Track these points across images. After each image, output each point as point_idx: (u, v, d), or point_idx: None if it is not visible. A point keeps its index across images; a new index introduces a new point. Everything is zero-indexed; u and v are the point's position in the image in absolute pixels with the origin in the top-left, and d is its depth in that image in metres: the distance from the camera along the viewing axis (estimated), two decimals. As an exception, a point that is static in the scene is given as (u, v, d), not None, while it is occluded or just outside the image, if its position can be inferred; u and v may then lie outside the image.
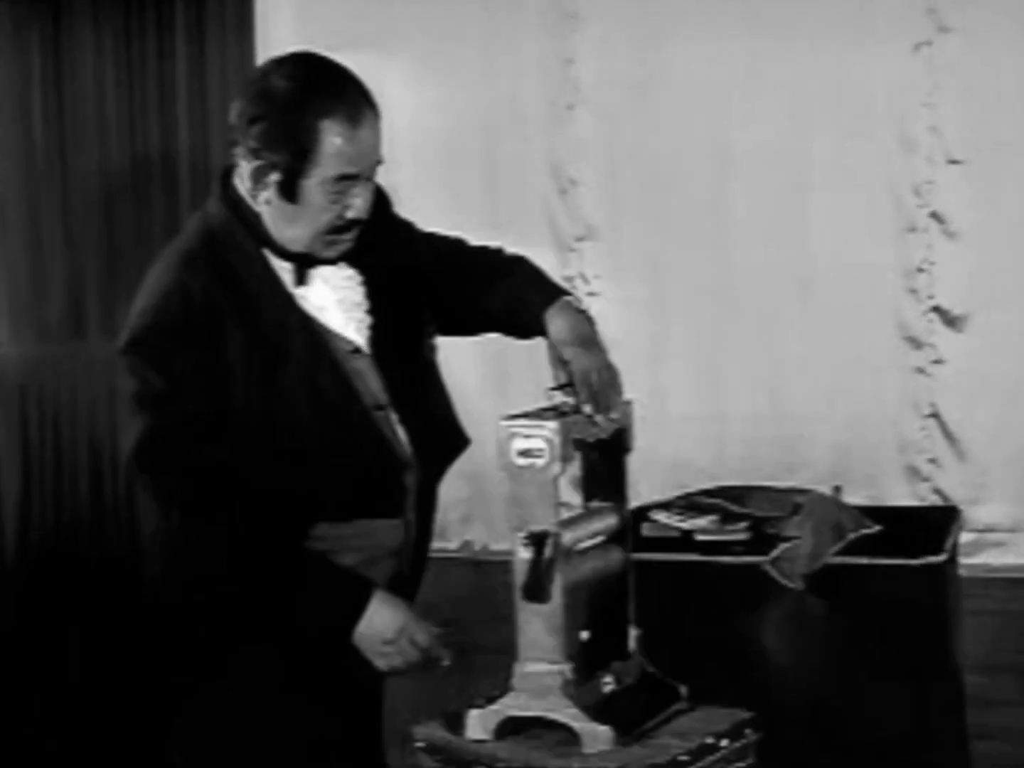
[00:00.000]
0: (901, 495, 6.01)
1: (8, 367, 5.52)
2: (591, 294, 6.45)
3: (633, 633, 2.35)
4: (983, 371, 6.00)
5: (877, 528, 3.62)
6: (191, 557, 2.30)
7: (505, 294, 2.44)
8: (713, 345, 6.31)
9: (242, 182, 2.33)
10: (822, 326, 6.17)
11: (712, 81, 6.21)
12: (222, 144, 6.04)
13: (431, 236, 2.55)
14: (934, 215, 6.06)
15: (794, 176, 6.19)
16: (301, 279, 2.33)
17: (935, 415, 6.12)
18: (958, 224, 6.03)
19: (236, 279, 2.30)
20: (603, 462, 2.34)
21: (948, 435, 6.11)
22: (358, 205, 2.29)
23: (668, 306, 6.37)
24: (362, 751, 2.52)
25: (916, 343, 6.12)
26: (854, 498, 3.95)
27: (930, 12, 5.97)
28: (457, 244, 2.56)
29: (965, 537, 4.68)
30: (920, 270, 6.10)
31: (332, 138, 2.24)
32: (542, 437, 2.20)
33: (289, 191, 2.26)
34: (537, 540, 2.18)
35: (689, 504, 3.73)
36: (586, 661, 2.24)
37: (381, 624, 2.27)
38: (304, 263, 2.33)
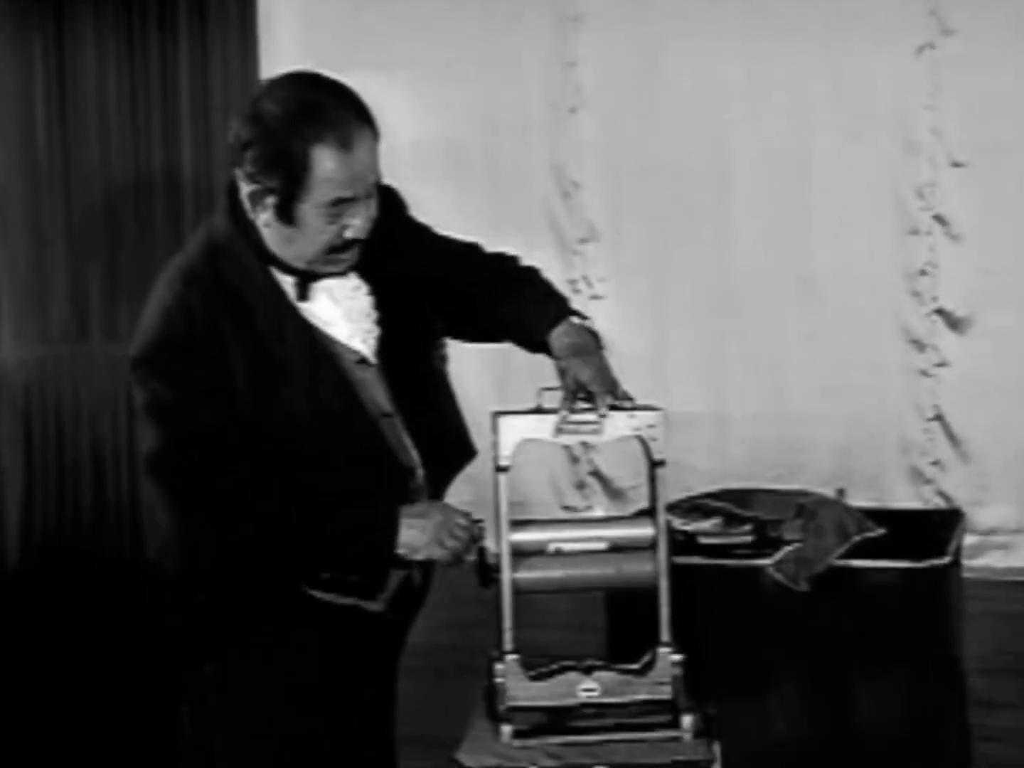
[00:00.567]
0: (904, 497, 6.01)
1: (11, 369, 5.51)
2: (594, 296, 6.45)
3: (671, 656, 2.33)
4: (986, 373, 5.99)
5: (880, 531, 3.61)
6: (210, 555, 2.31)
7: (513, 308, 2.46)
8: (715, 347, 6.30)
9: (245, 200, 2.33)
10: (824, 328, 6.17)
11: (714, 83, 6.21)
12: (225, 147, 6.05)
13: (446, 241, 2.55)
14: (937, 217, 6.06)
15: (796, 178, 6.18)
16: (303, 294, 2.34)
17: (938, 417, 6.12)
18: (961, 226, 6.03)
19: (238, 294, 2.31)
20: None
21: (951, 437, 6.11)
22: (356, 225, 2.29)
23: (670, 308, 6.37)
24: (375, 747, 2.53)
25: (919, 345, 6.12)
26: (857, 500, 3.94)
27: (932, 14, 5.97)
28: (471, 251, 2.56)
29: (968, 540, 4.67)
30: (923, 272, 6.09)
31: (323, 164, 2.23)
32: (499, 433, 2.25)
33: (285, 214, 2.27)
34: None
35: (692, 507, 3.72)
36: (552, 659, 2.27)
37: (417, 521, 2.30)
38: (308, 277, 2.33)
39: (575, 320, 2.40)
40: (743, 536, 3.63)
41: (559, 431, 2.28)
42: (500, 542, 2.28)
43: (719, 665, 3.34)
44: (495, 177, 6.48)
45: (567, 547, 2.32)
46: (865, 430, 6.11)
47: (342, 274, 2.36)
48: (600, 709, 2.30)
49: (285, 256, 2.32)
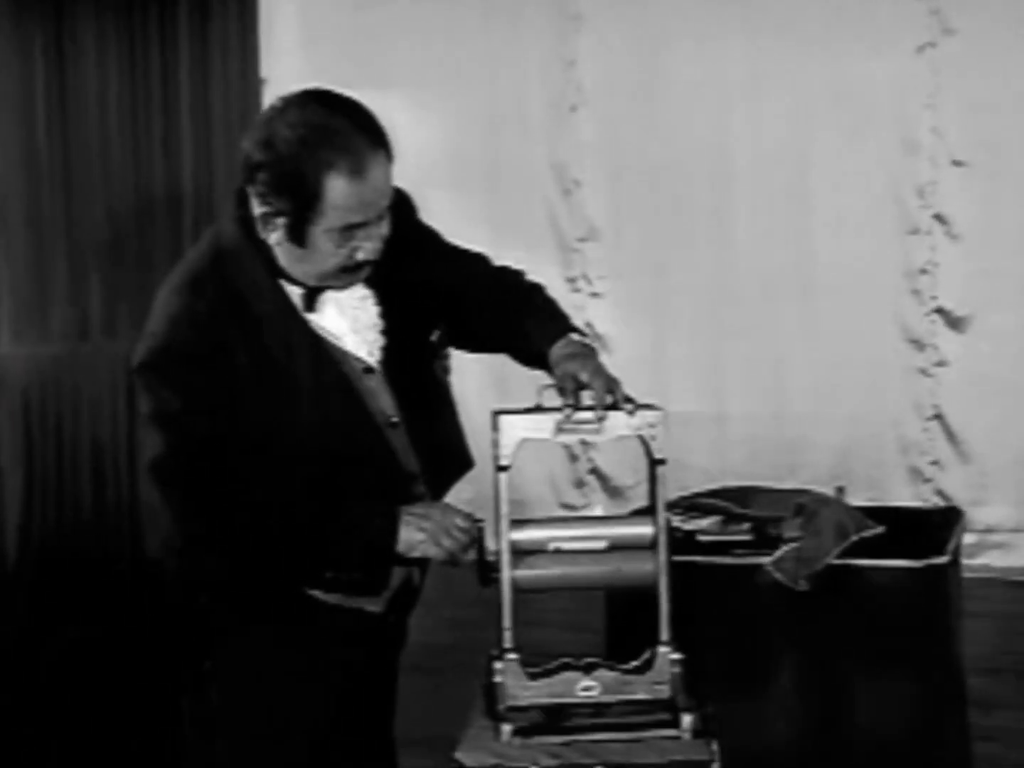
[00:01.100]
0: (903, 496, 6.01)
1: (11, 368, 5.52)
2: (593, 294, 6.46)
3: (670, 655, 2.32)
4: (986, 372, 6.00)
5: (879, 529, 3.61)
6: (218, 558, 2.32)
7: (516, 323, 2.46)
8: (715, 346, 6.31)
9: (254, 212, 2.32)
10: (824, 327, 6.17)
11: (714, 83, 6.21)
12: (225, 147, 6.06)
13: (453, 249, 2.55)
14: (937, 217, 6.06)
15: (796, 177, 6.19)
16: (310, 305, 2.34)
17: (938, 416, 6.12)
18: (961, 226, 6.03)
19: (245, 303, 2.31)
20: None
21: (951, 436, 6.11)
22: (367, 248, 2.29)
23: (670, 306, 6.38)
24: (374, 745, 2.53)
25: (919, 344, 6.12)
26: (856, 499, 3.94)
27: (933, 14, 5.97)
28: (478, 261, 2.56)
29: (967, 538, 4.67)
30: (923, 271, 6.10)
31: (335, 191, 2.22)
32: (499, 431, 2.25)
33: (297, 236, 2.26)
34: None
35: (691, 505, 3.72)
36: (551, 658, 2.28)
37: (416, 520, 2.31)
38: (316, 289, 2.34)
39: (575, 336, 2.41)
40: (742, 535, 3.63)
41: (559, 430, 2.28)
42: (500, 541, 2.28)
43: (718, 664, 3.34)
44: (495, 176, 6.49)
45: (566, 546, 2.32)
46: (864, 429, 6.11)
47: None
48: (599, 708, 2.30)
49: (295, 273, 2.32)
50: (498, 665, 2.29)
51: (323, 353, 2.34)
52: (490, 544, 2.31)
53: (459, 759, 2.23)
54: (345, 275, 2.32)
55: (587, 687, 2.31)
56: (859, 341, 6.11)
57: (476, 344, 2.55)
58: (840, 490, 3.87)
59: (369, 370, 2.39)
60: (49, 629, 4.76)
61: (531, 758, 2.22)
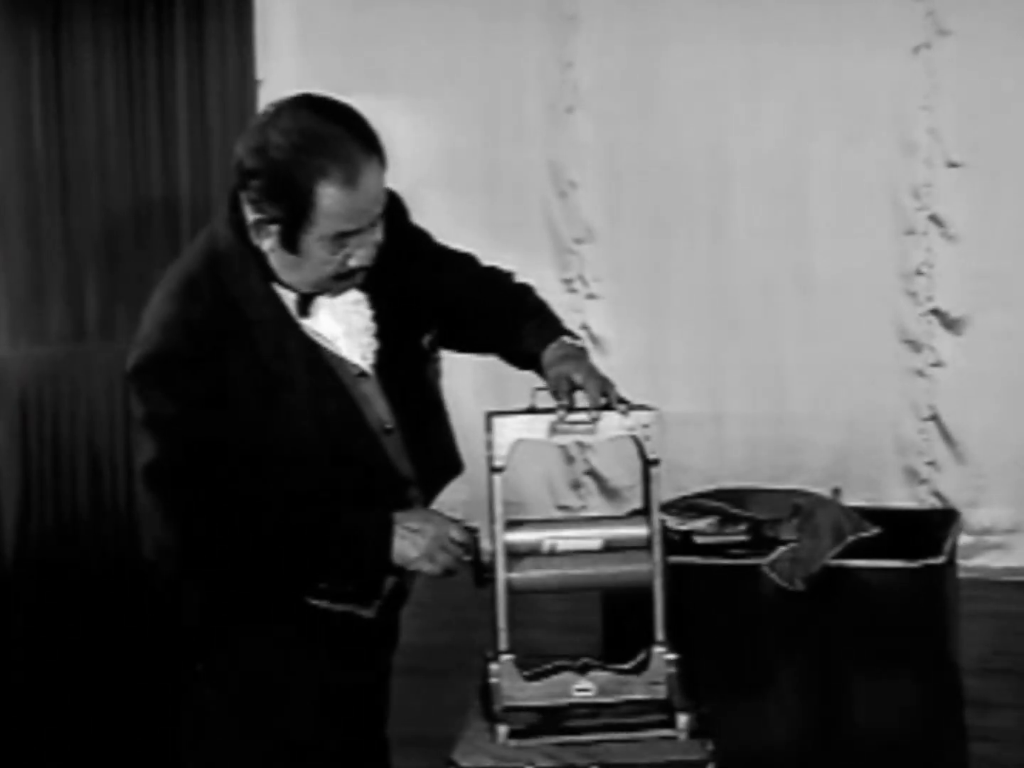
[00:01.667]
0: (900, 497, 6.02)
1: (7, 370, 5.51)
2: (590, 296, 6.46)
3: (665, 655, 2.32)
4: (982, 374, 6.00)
5: (876, 530, 3.62)
6: (210, 564, 2.32)
7: (507, 325, 2.47)
8: (712, 347, 6.31)
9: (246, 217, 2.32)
10: (821, 328, 6.18)
11: (711, 84, 6.22)
12: (221, 148, 6.06)
13: (443, 250, 2.55)
14: (933, 218, 6.06)
15: (793, 179, 6.19)
16: (304, 311, 2.33)
17: (934, 417, 6.12)
18: (957, 227, 6.04)
19: (239, 308, 2.31)
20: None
21: (947, 437, 6.12)
22: (361, 255, 2.28)
23: (667, 308, 6.38)
24: (368, 745, 2.53)
25: (915, 345, 6.13)
26: (853, 500, 3.94)
27: (929, 15, 5.98)
28: (468, 262, 2.56)
29: (964, 540, 4.69)
30: (919, 273, 6.10)
31: (328, 200, 2.20)
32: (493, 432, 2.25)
33: (289, 243, 2.25)
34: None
35: (688, 506, 3.72)
36: (547, 659, 2.28)
37: (414, 532, 2.30)
38: (309, 294, 2.33)
39: (567, 339, 2.41)
40: (739, 536, 3.63)
41: (553, 431, 2.28)
42: (495, 542, 2.28)
43: (714, 664, 3.34)
44: (492, 177, 6.49)
45: (562, 547, 2.32)
46: (861, 430, 6.12)
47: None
48: (595, 709, 2.30)
49: (288, 280, 2.31)
50: (494, 666, 2.29)
51: (317, 358, 2.34)
52: (485, 545, 2.31)
53: (455, 760, 2.23)
54: (339, 282, 2.31)
55: (583, 688, 2.31)
56: (856, 342, 6.12)
57: (467, 346, 2.55)
58: (836, 491, 3.87)
59: (363, 375, 2.38)
60: (47, 630, 4.76)
61: (527, 759, 2.22)
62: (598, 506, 6.34)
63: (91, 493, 5.56)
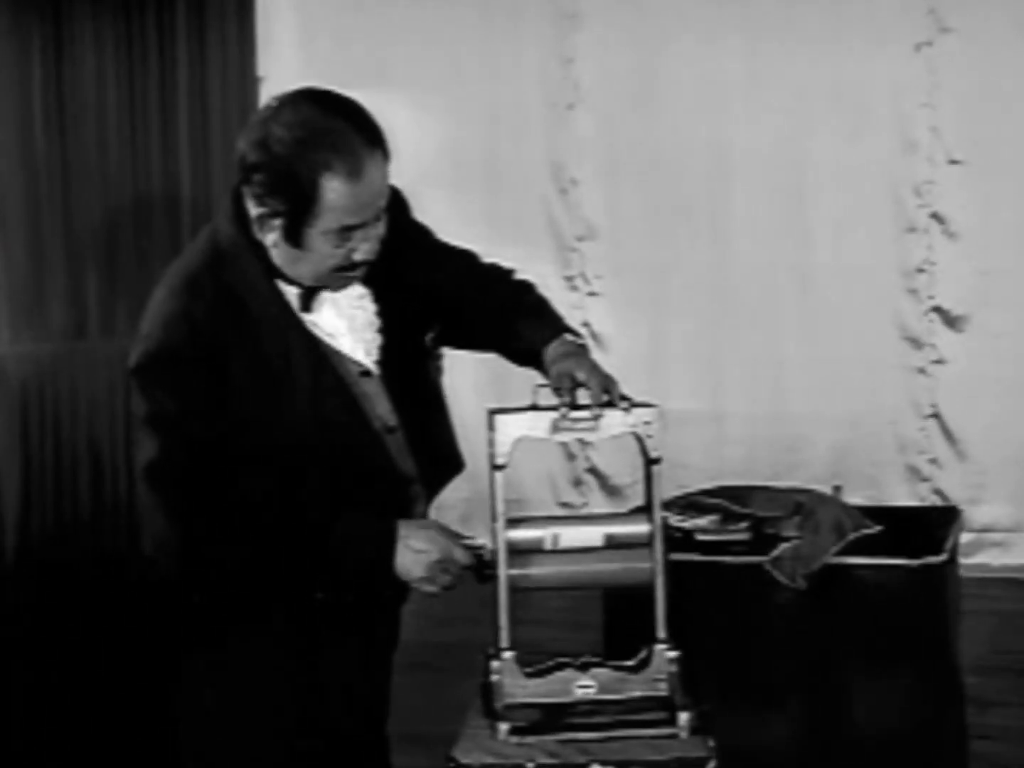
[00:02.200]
0: (901, 495, 6.02)
1: (8, 367, 5.51)
2: (591, 293, 6.46)
3: (667, 653, 2.32)
4: (983, 371, 6.00)
5: (877, 528, 3.62)
6: (208, 565, 2.31)
7: (508, 322, 2.46)
8: (713, 345, 6.31)
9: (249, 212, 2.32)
10: (822, 326, 6.18)
11: (712, 81, 6.22)
12: (222, 145, 6.06)
13: (443, 247, 2.54)
14: (934, 215, 6.06)
15: (794, 176, 6.19)
16: (308, 306, 2.33)
17: (935, 415, 6.12)
18: (958, 224, 6.04)
19: (242, 305, 2.30)
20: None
21: (948, 435, 6.12)
22: (364, 249, 2.27)
23: (668, 305, 6.38)
24: (366, 742, 2.53)
25: (916, 343, 6.13)
26: (854, 498, 3.95)
27: (930, 12, 5.98)
28: (468, 259, 2.55)
29: (965, 537, 4.68)
30: (920, 270, 6.10)
31: (331, 193, 2.20)
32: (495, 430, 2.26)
33: (293, 238, 2.25)
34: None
35: (689, 504, 3.72)
36: (548, 656, 2.29)
37: (418, 551, 2.28)
38: (313, 288, 2.33)
39: (569, 336, 2.41)
40: (740, 533, 3.64)
41: (555, 429, 2.28)
42: (497, 539, 2.28)
43: (716, 662, 3.34)
44: (493, 174, 6.49)
45: (564, 544, 2.32)
46: (862, 428, 6.12)
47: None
48: (596, 706, 2.30)
49: (292, 273, 2.30)
50: (495, 663, 2.29)
51: (320, 356, 2.33)
52: (487, 542, 2.31)
53: (456, 757, 2.23)
54: (342, 275, 2.30)
55: (584, 685, 2.31)
56: (857, 340, 6.12)
57: (468, 343, 2.55)
58: (837, 489, 3.87)
59: (366, 373, 2.38)
60: (46, 626, 4.76)
61: (528, 756, 2.22)
62: (599, 503, 6.33)
63: (92, 490, 5.56)
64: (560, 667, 2.33)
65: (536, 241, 6.38)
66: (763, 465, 5.71)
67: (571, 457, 6.44)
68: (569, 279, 6.45)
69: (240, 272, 2.31)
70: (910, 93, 6.02)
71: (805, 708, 3.54)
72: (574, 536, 2.32)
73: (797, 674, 3.54)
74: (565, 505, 6.42)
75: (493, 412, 2.30)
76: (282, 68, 6.30)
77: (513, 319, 2.46)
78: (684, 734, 2.26)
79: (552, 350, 2.38)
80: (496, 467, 2.28)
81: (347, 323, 2.36)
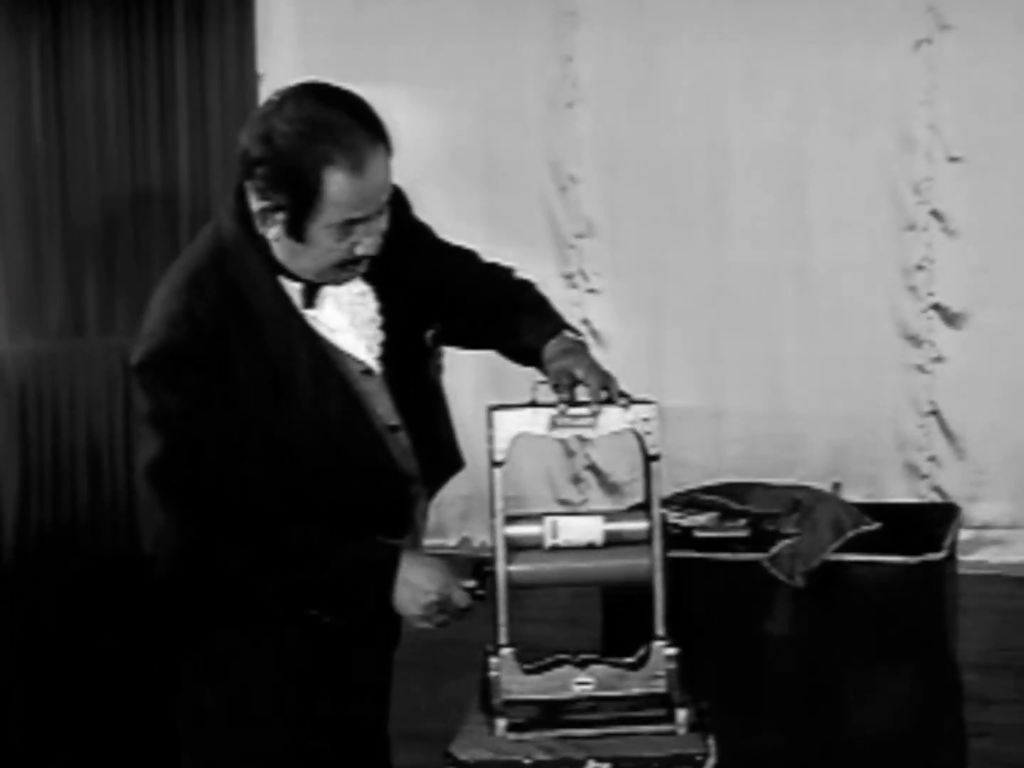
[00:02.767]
0: (900, 492, 6.01)
1: (6, 365, 5.51)
2: (590, 291, 6.46)
3: (665, 650, 2.32)
4: (982, 369, 6.00)
5: (876, 525, 3.62)
6: (209, 566, 2.31)
7: (508, 321, 2.46)
8: (712, 342, 6.31)
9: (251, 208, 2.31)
10: (821, 324, 6.17)
11: (711, 79, 6.22)
12: (221, 142, 6.06)
13: (444, 246, 2.54)
14: (933, 213, 6.06)
15: (793, 174, 6.19)
16: (310, 302, 2.32)
17: (934, 413, 6.12)
18: (957, 222, 6.04)
19: (244, 301, 2.30)
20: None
21: (947, 433, 6.12)
22: (367, 243, 2.27)
23: (667, 303, 6.38)
24: (367, 742, 2.52)
25: (915, 341, 6.13)
26: (853, 495, 3.95)
27: (930, 10, 5.98)
28: (469, 258, 2.55)
29: (964, 535, 4.68)
30: (919, 268, 6.10)
31: (334, 187, 2.20)
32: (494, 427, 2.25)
33: (295, 232, 2.25)
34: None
35: (688, 501, 3.72)
36: (546, 653, 2.29)
37: (416, 588, 2.28)
38: (315, 284, 2.32)
39: (568, 334, 2.42)
40: (739, 530, 3.64)
41: (554, 425, 2.28)
42: (495, 536, 2.28)
43: (714, 659, 3.34)
44: (492, 172, 6.49)
45: (563, 541, 2.32)
46: (861, 425, 6.12)
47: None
48: (595, 703, 2.30)
49: (294, 268, 2.30)
50: (493, 660, 2.29)
51: (322, 354, 2.33)
52: (486, 540, 2.31)
53: (453, 753, 2.23)
54: (344, 270, 2.30)
55: (583, 682, 2.31)
56: (856, 337, 6.12)
57: (468, 341, 2.55)
58: (836, 486, 3.87)
59: (368, 372, 2.38)
60: (45, 623, 4.75)
61: (526, 753, 2.22)
62: (598, 501, 6.33)
63: (90, 487, 5.56)
64: (559, 664, 2.33)
65: (535, 238, 6.38)
66: (762, 462, 5.71)
67: (570, 454, 6.44)
68: (568, 276, 6.45)
69: (243, 268, 2.30)
70: (909, 90, 6.02)
71: (804, 705, 3.54)
72: (573, 533, 2.32)
73: (795, 671, 3.54)
74: (564, 502, 6.42)
75: (492, 408, 2.30)
76: (281, 66, 6.29)
77: (513, 317, 2.46)
78: (682, 731, 2.26)
79: (551, 347, 2.38)
80: (495, 464, 2.28)
81: (349, 319, 2.36)
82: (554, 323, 2.44)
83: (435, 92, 6.47)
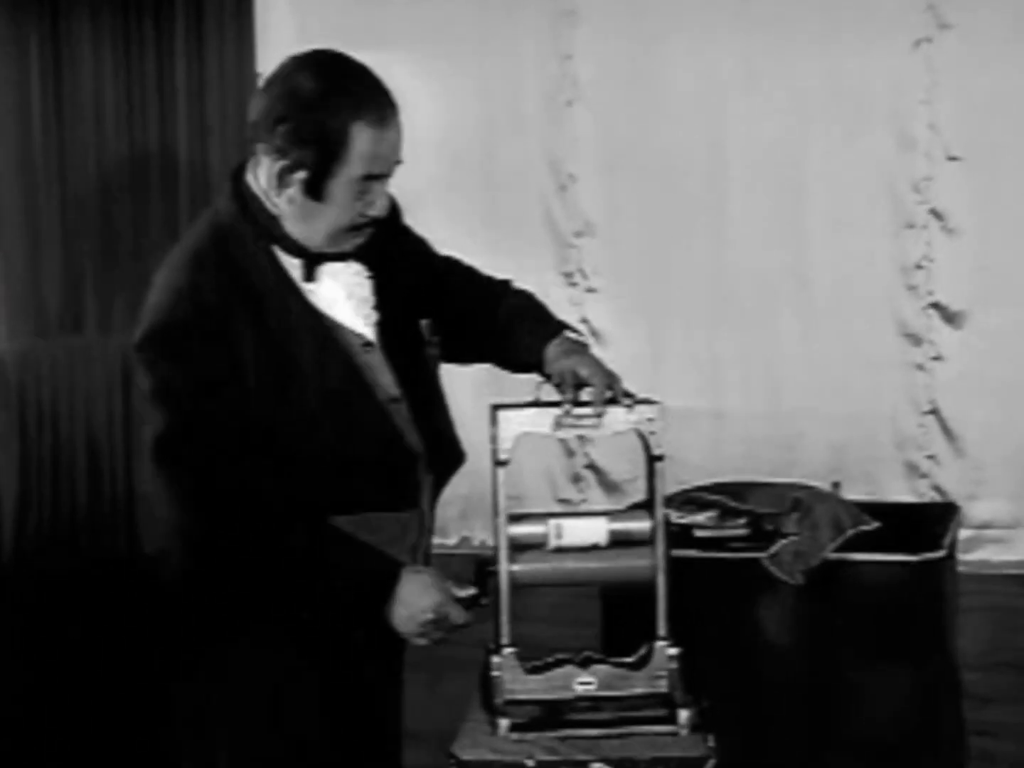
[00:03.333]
0: (900, 491, 6.01)
1: (5, 362, 5.51)
2: (589, 290, 6.45)
3: (668, 650, 2.32)
4: (982, 368, 6.00)
5: (875, 524, 3.62)
6: (211, 549, 2.30)
7: (507, 322, 2.48)
8: (711, 341, 6.31)
9: (256, 181, 2.34)
10: (821, 322, 6.17)
11: (710, 77, 6.21)
12: (220, 140, 6.05)
13: (443, 258, 2.58)
14: (933, 211, 6.06)
15: (792, 173, 6.18)
16: (310, 275, 2.34)
17: (934, 411, 6.12)
18: (957, 220, 6.03)
19: (245, 277, 2.31)
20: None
21: (947, 431, 6.11)
22: (379, 204, 2.32)
23: (666, 302, 6.37)
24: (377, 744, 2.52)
25: (915, 340, 6.13)
26: (853, 494, 3.94)
27: (929, 8, 5.97)
28: (467, 271, 2.59)
29: (963, 533, 4.68)
30: (919, 266, 6.10)
31: (361, 139, 2.25)
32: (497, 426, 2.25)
33: (315, 189, 2.28)
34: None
35: (688, 500, 3.72)
36: (547, 652, 2.29)
37: (412, 606, 2.28)
38: (313, 260, 2.34)
39: (570, 335, 2.42)
40: (738, 529, 3.63)
41: (558, 425, 2.28)
42: (498, 535, 2.27)
43: (713, 658, 3.34)
44: (491, 171, 6.48)
45: (566, 541, 2.32)
46: (860, 424, 6.11)
47: (347, 257, 2.37)
48: (597, 703, 2.30)
49: (301, 235, 2.32)
50: (495, 659, 2.29)
51: (322, 327, 2.34)
52: (485, 539, 2.31)
53: (455, 753, 2.23)
54: (353, 234, 2.33)
55: (584, 682, 2.31)
56: (855, 337, 6.11)
57: (465, 347, 2.55)
58: (836, 485, 3.87)
59: (368, 344, 2.38)
60: (44, 622, 4.75)
61: (528, 753, 2.22)
62: (598, 500, 6.33)
63: (90, 486, 5.56)
64: (560, 663, 2.32)
65: (534, 238, 6.38)
66: (762, 461, 5.70)
67: (570, 453, 6.43)
68: (567, 275, 6.45)
69: (241, 246, 2.32)
70: (909, 89, 6.02)
71: (803, 704, 3.54)
72: (577, 534, 2.32)
73: (795, 670, 3.54)
74: (563, 501, 6.41)
75: (496, 407, 2.30)
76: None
77: (513, 317, 2.48)
78: (684, 732, 2.26)
79: (554, 347, 2.39)
80: (499, 463, 2.28)
81: (346, 293, 2.37)
82: (555, 324, 2.46)
83: (434, 91, 6.46)
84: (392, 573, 2.29)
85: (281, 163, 2.27)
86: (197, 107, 6.03)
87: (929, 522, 3.76)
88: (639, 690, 2.31)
